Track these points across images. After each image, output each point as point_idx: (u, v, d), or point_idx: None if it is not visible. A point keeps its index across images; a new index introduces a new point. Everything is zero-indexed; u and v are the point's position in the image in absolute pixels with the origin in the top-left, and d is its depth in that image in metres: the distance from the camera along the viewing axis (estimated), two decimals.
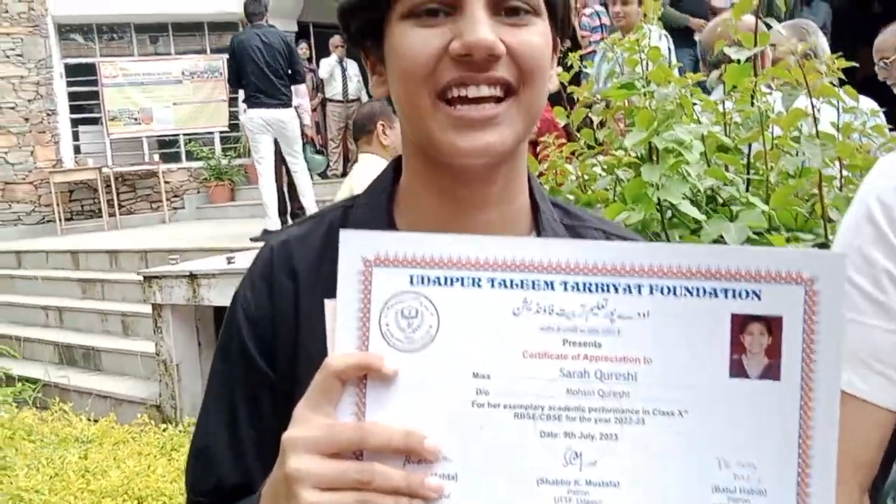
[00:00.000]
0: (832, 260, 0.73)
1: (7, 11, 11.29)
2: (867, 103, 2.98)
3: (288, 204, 8.27)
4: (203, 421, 0.99)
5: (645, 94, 1.96)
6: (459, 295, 0.74)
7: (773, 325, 0.71)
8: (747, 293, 0.72)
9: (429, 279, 0.74)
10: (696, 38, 5.28)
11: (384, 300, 0.74)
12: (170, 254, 7.19)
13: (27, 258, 9.47)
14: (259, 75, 7.40)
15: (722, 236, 1.65)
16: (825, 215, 1.61)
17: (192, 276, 5.68)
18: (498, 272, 0.74)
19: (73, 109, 12.00)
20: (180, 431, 4.86)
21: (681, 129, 1.56)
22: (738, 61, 2.05)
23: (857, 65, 1.91)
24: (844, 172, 1.98)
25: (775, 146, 1.95)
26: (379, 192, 0.98)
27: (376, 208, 0.96)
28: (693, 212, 1.56)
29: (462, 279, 0.74)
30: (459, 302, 0.74)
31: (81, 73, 11.89)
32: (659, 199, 1.57)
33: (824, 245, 1.75)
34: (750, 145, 1.99)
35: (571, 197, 1.95)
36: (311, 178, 8.26)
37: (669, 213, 1.69)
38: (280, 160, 7.86)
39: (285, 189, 8.17)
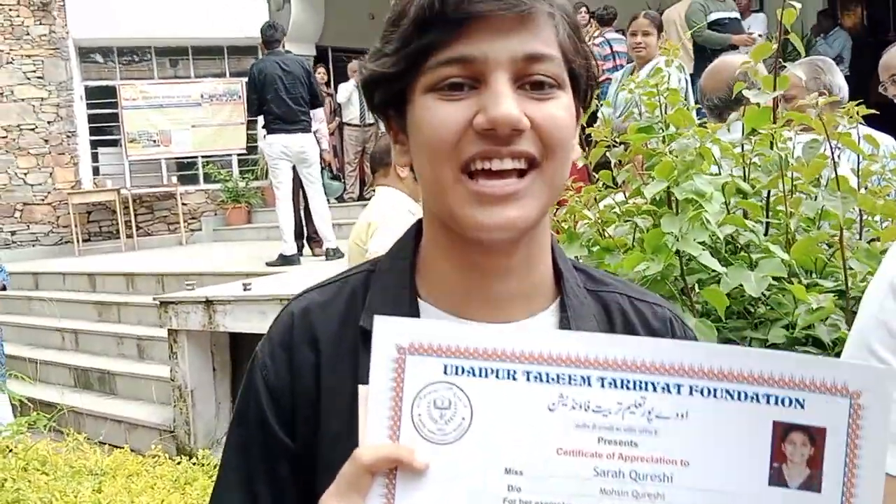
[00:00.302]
0: (880, 374, 0.71)
1: (28, 34, 11.45)
2: (885, 140, 2.97)
3: (304, 228, 8.31)
4: (220, 490, 0.97)
5: (664, 139, 1.96)
6: (494, 387, 0.73)
7: (815, 436, 0.70)
8: (791, 401, 0.70)
9: (463, 370, 0.73)
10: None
11: (417, 389, 0.73)
12: (186, 277, 7.23)
13: (44, 279, 9.54)
14: (279, 102, 7.45)
15: (742, 286, 1.64)
16: (845, 265, 1.60)
17: (209, 303, 5.70)
18: (534, 365, 0.73)
19: (93, 131, 12.11)
20: (194, 464, 4.85)
21: (700, 181, 1.56)
22: (758, 104, 2.05)
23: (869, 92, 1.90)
24: (864, 216, 1.97)
25: (794, 188, 1.94)
26: (401, 257, 0.97)
27: (399, 275, 0.95)
28: (713, 263, 1.56)
29: (497, 371, 0.73)
30: (494, 394, 0.73)
31: (101, 96, 12.01)
32: (678, 250, 1.56)
33: (844, 293, 1.73)
34: (768, 190, 1.98)
35: (589, 244, 1.94)
36: (328, 202, 8.29)
37: (688, 262, 1.68)
38: (298, 184, 7.90)
39: (302, 213, 8.21)
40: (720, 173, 1.89)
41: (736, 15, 7.29)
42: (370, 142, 11.69)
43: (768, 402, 0.70)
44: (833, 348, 1.62)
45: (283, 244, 7.79)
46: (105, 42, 11.97)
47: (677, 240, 1.56)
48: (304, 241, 8.30)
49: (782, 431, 0.70)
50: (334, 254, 7.75)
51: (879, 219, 1.98)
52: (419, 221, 0.99)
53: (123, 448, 5.25)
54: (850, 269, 1.68)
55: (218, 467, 0.98)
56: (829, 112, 1.63)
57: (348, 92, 11.50)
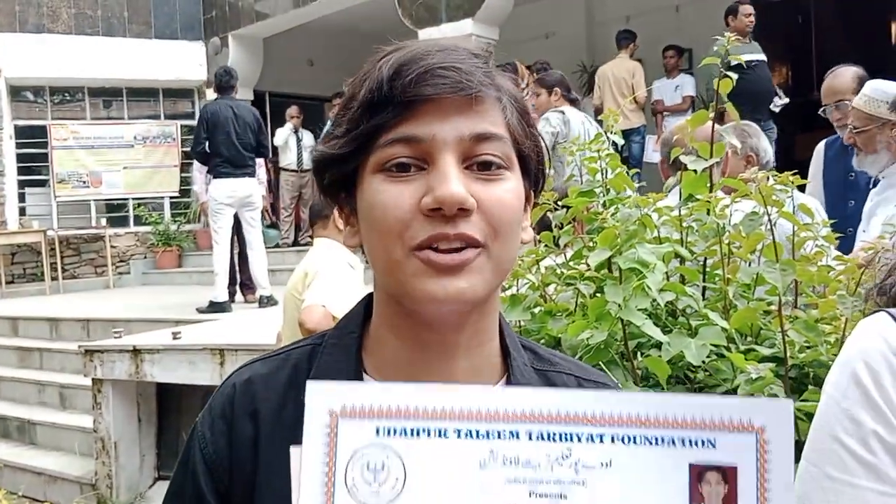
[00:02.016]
0: (779, 407, 0.73)
1: None
2: (816, 205, 3.08)
3: (237, 275, 8.19)
4: None
5: (605, 204, 1.98)
6: (426, 446, 0.73)
7: (728, 474, 0.72)
8: (703, 442, 0.72)
9: (395, 430, 0.73)
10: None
11: (350, 453, 0.73)
12: (113, 324, 7.02)
13: None
14: (229, 146, 7.44)
15: (683, 353, 1.65)
16: (784, 335, 1.63)
17: (136, 351, 5.53)
18: (464, 422, 0.73)
19: (21, 171, 11.78)
20: None
21: (643, 250, 1.57)
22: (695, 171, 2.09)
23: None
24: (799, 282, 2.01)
25: (731, 254, 1.98)
26: (347, 332, 0.96)
27: (345, 351, 0.94)
28: (656, 333, 1.57)
29: (429, 430, 0.73)
30: (426, 454, 0.72)
31: (31, 135, 11.72)
32: (621, 318, 1.57)
33: (781, 359, 1.76)
34: (705, 259, 2.01)
35: (531, 308, 1.94)
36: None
37: (628, 326, 1.69)
38: (232, 230, 7.80)
39: (236, 259, 8.09)
40: (659, 238, 1.91)
41: (763, 57, 7.32)
42: (306, 187, 11.64)
43: (683, 444, 0.72)
44: None
45: (215, 290, 7.65)
46: (37, 80, 11.72)
47: (620, 308, 1.56)
48: (237, 288, 8.17)
49: (698, 473, 0.72)
50: (268, 301, 7.66)
51: (813, 287, 2.03)
52: (368, 296, 0.98)
53: (44, 503, 5.02)
54: (788, 338, 1.70)
55: None
56: (764, 183, 1.66)
57: (285, 136, 11.48)
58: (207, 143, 7.48)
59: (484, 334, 0.93)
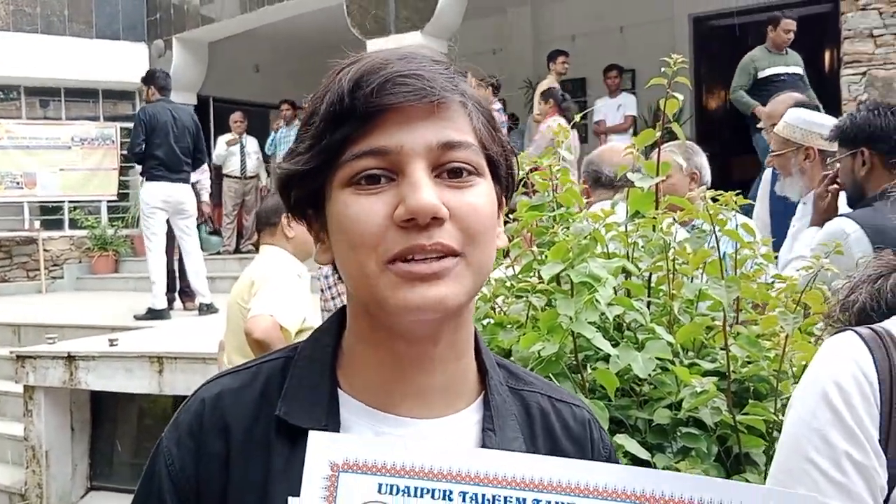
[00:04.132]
0: (806, 501, 0.74)
1: None
2: (752, 223, 3.18)
3: (177, 282, 8.04)
4: None
5: (555, 218, 2.02)
6: None
7: None
8: None
9: (398, 489, 0.72)
10: (759, 125, 5.29)
11: None
12: (46, 329, 6.82)
13: None
14: (166, 149, 7.29)
15: (631, 366, 1.69)
16: (728, 350, 1.68)
17: (70, 358, 5.39)
18: (469, 486, 0.72)
19: None
20: None
21: (595, 265, 1.61)
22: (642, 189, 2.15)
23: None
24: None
25: (675, 270, 2.03)
26: (322, 345, 0.94)
27: (319, 365, 0.92)
28: (605, 345, 1.60)
29: (433, 491, 0.72)
30: None
31: None
32: (573, 332, 1.60)
33: (723, 374, 1.81)
34: (650, 274, 2.06)
35: (482, 319, 1.96)
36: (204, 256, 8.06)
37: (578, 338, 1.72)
38: (172, 236, 7.66)
39: (176, 266, 7.95)
40: (607, 253, 1.95)
41: (798, 70, 7.06)
42: (249, 195, 11.51)
43: None
44: (715, 430, 1.68)
45: (152, 297, 7.49)
46: None
47: (571, 321, 1.59)
48: (176, 295, 8.02)
49: None
50: (207, 309, 7.53)
51: (751, 303, 2.09)
52: (342, 309, 0.97)
53: None
54: (731, 353, 1.75)
55: None
56: (708, 202, 1.72)
57: (227, 143, 11.32)
58: (143, 146, 7.32)
59: (460, 347, 0.92)
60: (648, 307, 2.07)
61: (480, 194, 0.86)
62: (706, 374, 1.79)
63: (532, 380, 1.02)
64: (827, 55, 10.46)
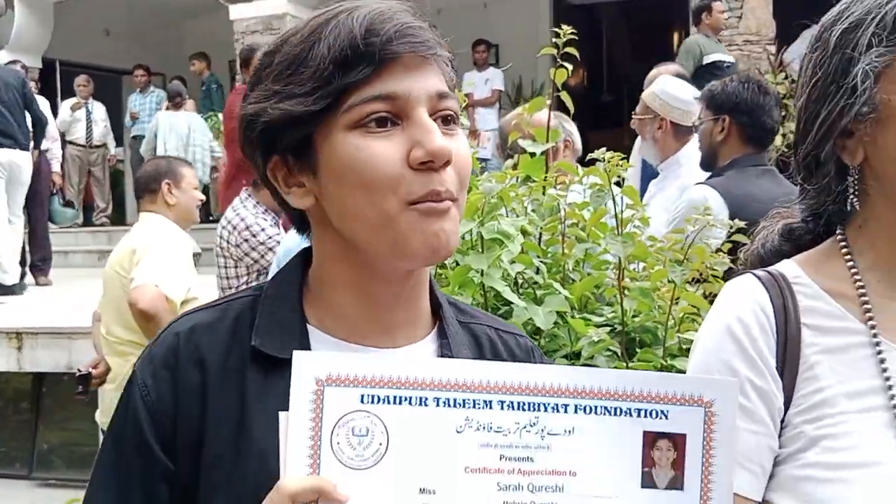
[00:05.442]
0: (728, 386, 0.86)
1: None
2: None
3: (28, 256, 7.60)
4: None
5: None
6: (407, 413, 0.79)
7: (678, 442, 0.83)
8: (657, 413, 0.83)
9: (379, 398, 0.79)
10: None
11: (336, 418, 0.78)
12: None
13: None
14: None
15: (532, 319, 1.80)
16: (622, 301, 1.82)
17: None
18: (443, 392, 0.80)
19: None
20: None
21: (505, 222, 1.71)
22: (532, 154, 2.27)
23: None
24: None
25: (565, 232, 2.16)
26: (288, 284, 0.99)
27: (288, 301, 0.97)
28: (514, 298, 1.70)
29: (410, 398, 0.79)
30: (407, 420, 0.79)
31: None
32: (483, 285, 1.69)
33: (612, 326, 1.96)
34: (540, 234, 2.19)
35: None
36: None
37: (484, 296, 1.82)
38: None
39: (26, 239, 7.51)
40: (507, 214, 2.06)
41: (733, 60, 6.99)
42: (97, 165, 10.90)
43: (639, 415, 0.83)
44: None
45: (1, 274, 7.02)
46: None
47: (481, 275, 1.68)
48: (27, 269, 7.59)
49: (650, 440, 0.83)
50: (8, 290, 6.97)
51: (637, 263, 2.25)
52: (306, 251, 1.02)
53: None
54: (623, 307, 1.89)
55: (88, 487, 0.94)
56: (607, 163, 1.85)
57: (71, 108, 10.61)
58: None
59: (421, 287, 1.00)
60: (541, 268, 2.20)
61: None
62: (600, 326, 1.93)
63: (479, 314, 1.11)
64: (676, 36, 11.03)
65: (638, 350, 1.90)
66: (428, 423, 0.79)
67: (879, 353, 1.02)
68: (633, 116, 3.86)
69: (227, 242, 3.94)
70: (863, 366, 1.03)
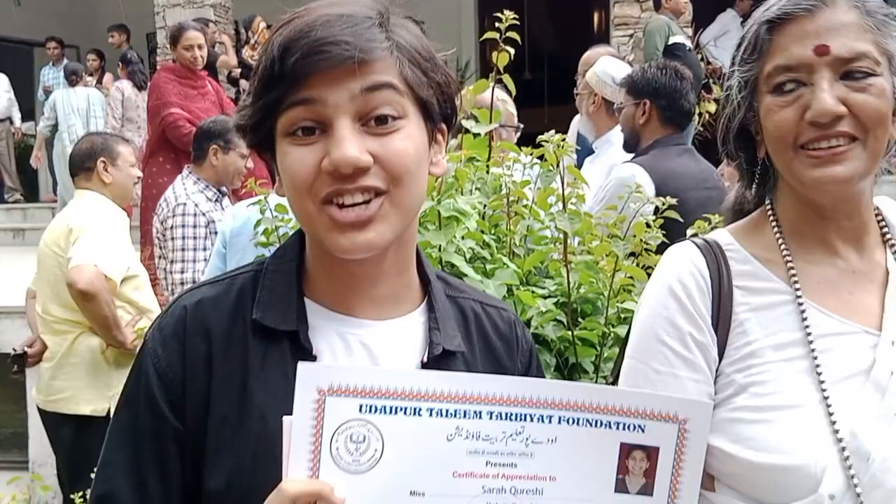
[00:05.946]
0: (701, 406, 0.98)
1: None
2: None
3: None
4: (105, 469, 1.01)
5: None
6: (402, 422, 0.87)
7: (651, 453, 0.94)
8: (635, 426, 0.93)
9: (376, 408, 0.87)
10: None
11: (335, 426, 0.86)
12: None
13: None
14: None
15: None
16: (568, 274, 1.93)
17: None
18: (436, 402, 0.88)
19: None
20: None
21: (461, 200, 1.79)
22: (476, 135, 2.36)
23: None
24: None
25: (511, 209, 2.26)
26: (287, 259, 1.08)
27: (286, 276, 1.06)
28: (471, 272, 1.80)
29: (405, 408, 0.87)
30: (402, 428, 0.87)
31: None
32: (441, 260, 1.78)
33: (555, 298, 2.07)
34: (484, 211, 2.28)
35: None
36: None
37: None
38: None
39: None
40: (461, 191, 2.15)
41: (689, 44, 7.00)
42: (1, 140, 10.49)
43: (618, 428, 0.93)
44: (556, 344, 1.94)
45: None
46: None
47: (440, 250, 1.77)
48: None
49: (627, 450, 0.93)
50: None
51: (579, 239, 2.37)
52: (302, 230, 1.09)
53: None
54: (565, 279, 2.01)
55: (104, 447, 1.02)
56: (556, 143, 1.94)
57: None
58: None
59: (403, 263, 1.08)
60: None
61: (404, 137, 0.99)
62: (546, 297, 2.04)
63: (465, 288, 1.20)
64: (596, 16, 11.26)
65: (581, 319, 2.03)
66: (421, 431, 0.88)
67: (802, 310, 1.17)
68: (575, 93, 4.05)
69: (162, 222, 3.91)
70: (787, 321, 1.17)
